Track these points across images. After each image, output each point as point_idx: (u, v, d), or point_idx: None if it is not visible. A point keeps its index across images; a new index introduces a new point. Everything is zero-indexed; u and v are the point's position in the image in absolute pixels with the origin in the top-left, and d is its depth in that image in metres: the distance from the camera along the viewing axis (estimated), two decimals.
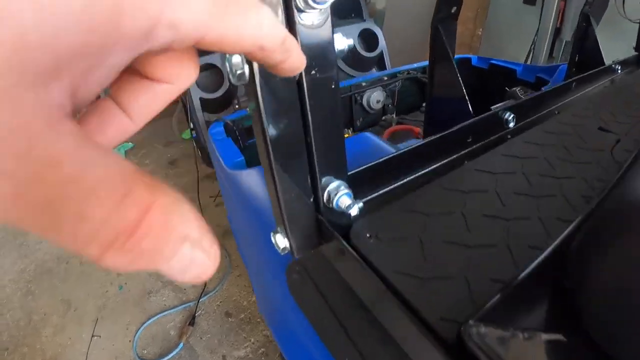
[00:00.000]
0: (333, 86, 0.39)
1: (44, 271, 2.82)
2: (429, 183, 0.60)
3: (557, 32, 3.00)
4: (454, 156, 0.67)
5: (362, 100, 1.97)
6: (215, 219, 2.96)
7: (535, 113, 0.84)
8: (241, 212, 1.13)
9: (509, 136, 0.77)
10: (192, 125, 2.54)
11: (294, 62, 0.26)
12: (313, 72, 0.37)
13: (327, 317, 0.60)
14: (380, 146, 0.96)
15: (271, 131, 0.38)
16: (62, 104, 0.18)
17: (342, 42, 0.38)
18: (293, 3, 0.32)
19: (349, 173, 0.51)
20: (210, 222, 2.86)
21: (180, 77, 0.26)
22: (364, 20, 2.62)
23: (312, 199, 0.46)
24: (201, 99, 2.23)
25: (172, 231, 0.19)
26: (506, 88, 1.72)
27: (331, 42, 0.37)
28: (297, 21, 0.34)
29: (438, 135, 0.65)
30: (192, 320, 2.18)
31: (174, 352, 2.06)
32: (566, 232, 0.49)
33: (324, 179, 0.46)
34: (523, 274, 0.42)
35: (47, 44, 0.16)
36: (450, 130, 0.67)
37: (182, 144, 4.14)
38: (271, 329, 1.21)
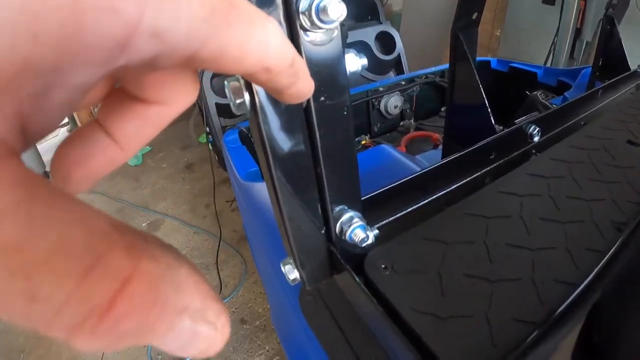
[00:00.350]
0: (345, 112, 0.36)
1: None
2: (449, 206, 0.57)
3: (578, 32, 2.93)
4: (476, 174, 0.64)
5: (379, 106, 1.94)
6: (231, 224, 2.95)
7: (560, 125, 0.80)
8: (254, 224, 1.10)
9: (534, 151, 0.73)
10: (208, 130, 2.53)
11: (302, 87, 0.22)
12: (322, 98, 0.34)
13: (340, 344, 0.57)
14: (399, 160, 0.93)
15: (277, 163, 0.35)
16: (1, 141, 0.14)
17: (355, 62, 0.34)
18: (297, 22, 0.29)
19: (364, 197, 0.48)
20: (226, 227, 2.86)
21: (175, 98, 0.22)
22: (381, 23, 2.59)
23: (323, 230, 0.43)
24: (217, 104, 2.21)
25: (164, 306, 0.15)
26: (527, 92, 1.68)
27: (342, 63, 0.34)
28: (301, 39, 0.30)
29: (459, 154, 0.62)
30: None
31: (188, 359, 2.05)
32: (595, 270, 0.45)
33: (336, 210, 0.43)
34: (551, 318, 0.39)
35: None
36: (472, 148, 0.63)
37: (198, 147, 4.14)
38: (282, 343, 1.19)
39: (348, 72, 0.34)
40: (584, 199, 0.58)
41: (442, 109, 2.12)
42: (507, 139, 0.69)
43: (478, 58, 1.90)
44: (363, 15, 2.67)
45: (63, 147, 0.22)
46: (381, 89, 1.92)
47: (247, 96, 0.30)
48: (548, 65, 3.00)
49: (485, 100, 0.79)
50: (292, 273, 0.45)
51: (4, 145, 0.14)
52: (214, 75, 2.16)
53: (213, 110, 2.22)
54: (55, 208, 0.13)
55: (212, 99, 2.19)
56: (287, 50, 0.20)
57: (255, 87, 0.30)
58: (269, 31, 0.19)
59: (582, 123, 0.87)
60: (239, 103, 0.30)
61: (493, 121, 0.79)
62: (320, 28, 0.29)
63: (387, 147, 1.00)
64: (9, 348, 2.40)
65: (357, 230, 0.42)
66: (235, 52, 0.17)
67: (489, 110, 0.79)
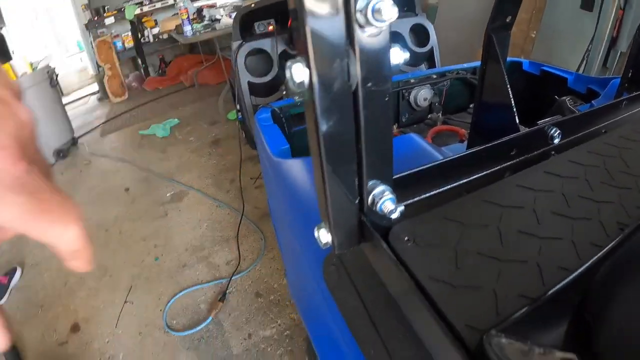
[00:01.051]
0: (387, 99, 0.42)
1: None
2: (469, 193, 0.62)
3: (613, 41, 2.91)
4: (497, 168, 0.69)
5: (409, 97, 1.98)
6: (254, 201, 3.02)
7: (581, 130, 0.84)
8: (282, 200, 1.17)
9: (553, 152, 0.78)
10: (238, 107, 2.59)
11: (75, 266, 0.33)
12: (369, 84, 0.40)
13: (359, 311, 0.64)
14: (426, 149, 0.98)
15: (325, 137, 0.41)
16: None
17: (399, 56, 0.40)
18: (354, 18, 0.35)
19: (394, 177, 0.54)
20: (249, 203, 2.93)
21: None
22: (416, 15, 2.61)
23: (357, 201, 0.49)
24: (249, 83, 2.27)
25: None
26: (556, 97, 1.70)
27: (387, 55, 0.39)
28: (356, 33, 0.36)
29: (482, 147, 0.67)
30: (222, 297, 2.25)
31: (202, 325, 2.13)
32: (594, 258, 0.50)
33: (370, 183, 0.48)
34: (547, 294, 0.45)
35: None
36: (495, 143, 0.68)
37: (226, 124, 4.20)
38: (300, 312, 1.25)
39: (392, 64, 0.39)
40: (594, 200, 0.63)
41: (471, 105, 2.15)
42: (529, 138, 0.74)
43: (510, 58, 1.92)
44: (399, 6, 2.69)
45: None
46: (412, 80, 1.96)
47: (307, 76, 0.36)
48: (580, 72, 3.00)
49: (512, 101, 0.83)
50: (325, 237, 0.51)
51: None
52: (249, 54, 2.22)
53: (245, 88, 2.28)
54: None
55: (245, 78, 2.25)
56: (74, 245, 0.31)
57: (313, 70, 0.36)
58: (65, 230, 0.30)
59: (603, 131, 0.91)
60: (299, 82, 0.36)
61: (517, 121, 0.84)
62: (373, 26, 0.35)
63: (415, 136, 1.05)
64: (28, 303, 2.52)
65: (387, 202, 0.48)
66: (37, 236, 0.29)
67: (515, 111, 0.84)
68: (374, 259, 0.55)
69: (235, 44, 2.21)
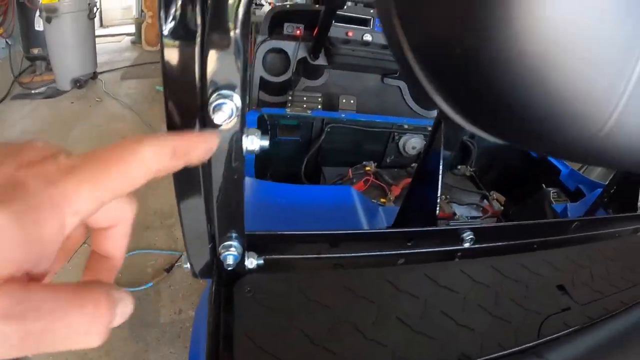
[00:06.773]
0: (236, 176, 0.45)
1: None
2: (345, 268, 0.66)
3: None
4: (387, 252, 0.71)
5: (399, 141, 1.99)
6: None
7: (501, 241, 0.84)
8: None
9: (459, 254, 0.78)
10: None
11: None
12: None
13: None
14: (354, 207, 1.00)
15: (181, 191, 0.47)
16: None
17: (255, 143, 0.43)
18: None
19: (281, 232, 0.58)
20: None
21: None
22: None
23: (210, 245, 0.54)
24: (261, 78, 2.30)
25: None
26: (544, 185, 1.70)
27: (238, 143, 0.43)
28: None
29: (379, 230, 0.70)
30: (169, 268, 2.30)
31: (142, 288, 2.18)
32: None
33: (222, 235, 0.53)
34: None
35: None
36: (391, 230, 0.71)
37: None
38: None
39: (246, 149, 0.43)
40: (455, 322, 0.63)
41: (459, 167, 2.11)
42: (434, 235, 0.76)
43: None
44: None
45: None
46: (406, 126, 1.98)
47: None
48: (584, 168, 2.97)
49: (439, 192, 0.84)
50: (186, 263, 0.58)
51: None
52: (269, 51, 2.24)
53: (256, 83, 2.31)
54: None
55: (259, 73, 2.27)
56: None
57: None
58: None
59: (535, 246, 0.87)
60: None
61: (437, 213, 0.84)
62: (219, 116, 0.38)
63: (352, 190, 1.07)
64: (136, 223, 2.60)
65: (230, 256, 0.53)
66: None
67: (438, 202, 0.84)
68: (210, 295, 0.58)
69: (259, 38, 2.23)
